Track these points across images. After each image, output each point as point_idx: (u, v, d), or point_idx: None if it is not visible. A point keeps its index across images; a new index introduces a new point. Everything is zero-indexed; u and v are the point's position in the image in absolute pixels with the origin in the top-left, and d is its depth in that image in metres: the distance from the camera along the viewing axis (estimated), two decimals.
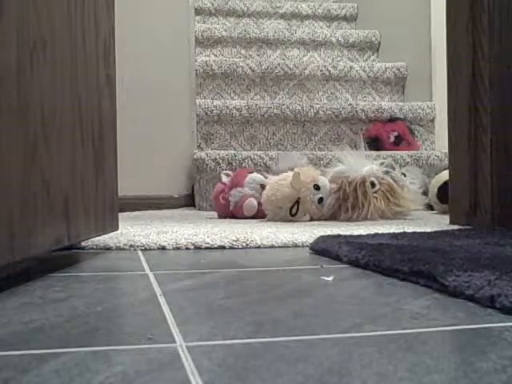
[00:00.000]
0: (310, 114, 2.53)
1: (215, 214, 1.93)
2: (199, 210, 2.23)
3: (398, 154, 2.32)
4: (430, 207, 1.87)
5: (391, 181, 1.68)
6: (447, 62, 1.44)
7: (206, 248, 1.10)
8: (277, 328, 0.52)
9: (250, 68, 2.75)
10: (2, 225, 0.66)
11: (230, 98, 2.74)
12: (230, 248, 1.11)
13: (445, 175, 1.65)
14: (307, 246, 1.08)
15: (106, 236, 1.15)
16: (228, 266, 0.90)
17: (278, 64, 2.78)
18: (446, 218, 1.48)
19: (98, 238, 1.12)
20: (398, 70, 2.93)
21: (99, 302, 0.64)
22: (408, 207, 1.69)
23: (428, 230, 1.21)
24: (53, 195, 0.80)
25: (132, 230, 1.33)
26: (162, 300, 0.64)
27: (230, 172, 1.95)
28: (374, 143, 2.45)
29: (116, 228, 1.10)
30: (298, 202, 1.62)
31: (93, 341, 0.49)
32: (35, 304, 0.63)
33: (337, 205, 1.64)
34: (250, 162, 2.19)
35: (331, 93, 2.88)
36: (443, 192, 1.72)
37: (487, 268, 0.67)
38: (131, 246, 1.11)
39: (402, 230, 1.22)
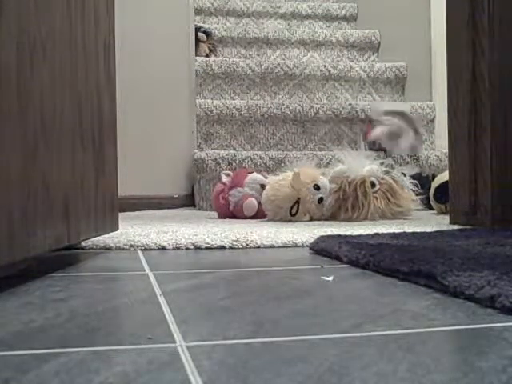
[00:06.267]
0: (310, 114, 2.53)
1: (215, 213, 1.93)
2: (199, 209, 2.23)
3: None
4: (430, 207, 1.87)
5: (391, 181, 1.68)
6: (447, 62, 1.44)
7: (206, 248, 1.10)
8: (277, 328, 0.52)
9: (250, 68, 2.75)
10: (1, 225, 0.66)
11: (230, 98, 2.74)
12: (230, 248, 1.11)
13: (444, 176, 1.65)
14: (307, 246, 1.08)
15: (106, 236, 1.15)
16: (228, 266, 0.90)
17: (278, 64, 2.78)
18: (446, 218, 1.48)
19: (97, 238, 1.12)
20: (397, 69, 2.93)
21: (99, 302, 0.64)
22: (408, 207, 1.69)
23: (428, 229, 1.21)
24: (53, 195, 0.80)
25: (132, 230, 1.33)
26: (161, 300, 0.64)
27: (230, 172, 1.94)
28: (374, 143, 2.45)
29: (116, 228, 1.10)
30: (298, 202, 1.62)
31: (93, 341, 0.49)
32: (35, 304, 0.63)
33: (337, 205, 1.64)
34: (250, 162, 2.19)
35: (331, 93, 2.88)
36: (440, 192, 1.73)
37: (487, 268, 0.67)
38: (131, 245, 1.11)
39: (402, 230, 1.22)
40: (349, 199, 1.61)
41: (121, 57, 1.43)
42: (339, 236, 1.09)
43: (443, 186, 1.65)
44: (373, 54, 3.24)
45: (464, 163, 1.37)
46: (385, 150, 2.26)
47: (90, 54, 0.96)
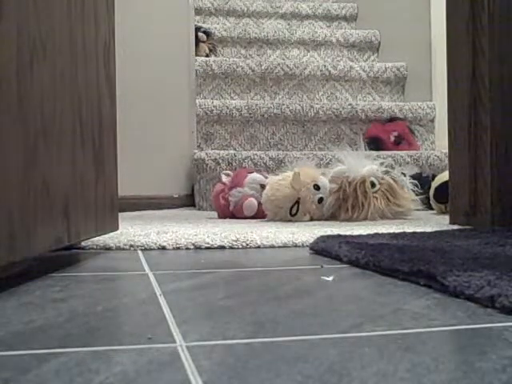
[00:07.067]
0: (310, 114, 2.53)
1: (215, 213, 1.93)
2: (199, 209, 2.23)
3: (398, 153, 2.32)
4: (430, 207, 1.87)
5: (391, 181, 1.68)
6: (447, 62, 1.44)
7: (206, 248, 1.10)
8: (277, 328, 0.52)
9: (250, 68, 2.75)
10: (2, 225, 0.66)
11: (230, 98, 2.74)
12: (230, 248, 1.11)
13: (445, 176, 1.65)
14: (307, 246, 1.08)
15: (106, 236, 1.15)
16: (228, 266, 0.90)
17: (278, 64, 2.78)
18: (446, 218, 1.48)
19: (97, 238, 1.12)
20: (398, 69, 2.93)
21: (99, 302, 0.64)
22: (408, 207, 1.69)
23: (428, 229, 1.21)
24: (53, 195, 0.80)
25: (132, 230, 1.33)
26: (161, 300, 0.64)
27: (230, 172, 1.94)
28: (375, 143, 2.45)
29: (116, 228, 1.10)
30: (298, 202, 1.62)
31: (93, 341, 0.49)
32: (35, 304, 0.63)
33: (337, 205, 1.64)
34: (250, 162, 2.19)
35: (331, 93, 2.88)
36: (440, 192, 1.73)
37: (487, 268, 0.67)
38: (131, 245, 1.11)
39: (401, 230, 1.22)
40: (349, 199, 1.61)
41: (121, 57, 1.43)
42: (339, 236, 1.09)
43: (443, 186, 1.65)
44: (373, 54, 3.24)
45: (464, 163, 1.37)
46: None
47: (89, 54, 0.96)
